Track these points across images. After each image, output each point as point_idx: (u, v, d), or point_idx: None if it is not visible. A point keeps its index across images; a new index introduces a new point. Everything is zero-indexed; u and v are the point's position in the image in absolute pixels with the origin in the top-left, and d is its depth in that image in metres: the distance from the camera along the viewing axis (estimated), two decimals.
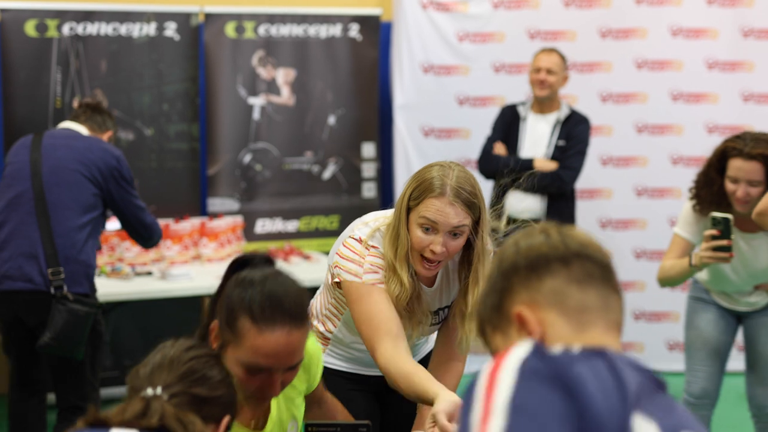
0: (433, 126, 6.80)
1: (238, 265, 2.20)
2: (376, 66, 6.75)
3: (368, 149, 6.77)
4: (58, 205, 4.36)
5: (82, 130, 4.68)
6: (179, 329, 6.71)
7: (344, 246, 2.82)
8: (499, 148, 5.91)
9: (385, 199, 6.97)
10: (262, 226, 6.57)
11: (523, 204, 5.72)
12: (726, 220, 3.87)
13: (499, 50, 6.74)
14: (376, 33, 6.72)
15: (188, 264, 6.02)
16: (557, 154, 5.82)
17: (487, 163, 5.88)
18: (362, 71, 6.71)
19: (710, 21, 6.69)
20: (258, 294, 2.08)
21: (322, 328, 3.02)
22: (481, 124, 6.75)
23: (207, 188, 6.44)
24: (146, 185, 6.22)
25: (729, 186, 4.00)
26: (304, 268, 6.11)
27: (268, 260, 2.21)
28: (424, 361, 2.99)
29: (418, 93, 6.76)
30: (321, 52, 6.61)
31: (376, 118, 6.80)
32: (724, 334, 4.41)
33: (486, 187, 6.26)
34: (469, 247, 2.77)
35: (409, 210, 2.72)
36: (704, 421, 4.40)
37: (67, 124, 4.73)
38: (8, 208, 4.42)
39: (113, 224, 5.16)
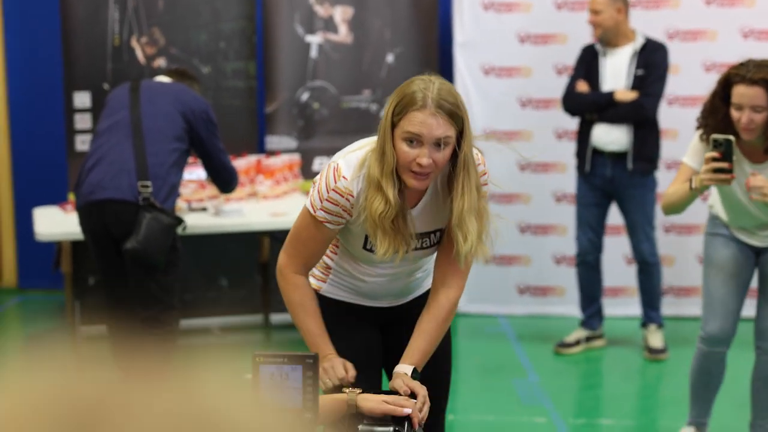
0: (494, 64, 6.70)
1: None
2: (436, 3, 6.66)
3: None
4: (152, 129, 4.68)
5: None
6: (234, 266, 6.84)
7: (321, 175, 2.85)
8: (582, 86, 5.92)
9: None
10: (320, 164, 6.58)
11: (610, 136, 5.82)
12: (728, 141, 3.85)
13: None
14: None
15: (243, 201, 6.07)
16: (637, 84, 5.82)
17: (571, 102, 5.95)
18: (421, 9, 6.63)
19: None
20: None
21: (324, 258, 3.02)
22: (543, 62, 6.65)
23: (264, 126, 6.47)
24: None
25: (734, 113, 3.97)
26: None
27: None
28: (424, 297, 2.99)
29: (478, 30, 6.67)
30: None
31: (436, 57, 6.72)
32: (744, 269, 4.30)
33: (573, 123, 6.29)
34: (455, 161, 2.75)
35: (393, 126, 2.71)
36: (720, 360, 4.34)
37: (160, 78, 5.04)
38: (107, 131, 4.75)
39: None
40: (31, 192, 7.12)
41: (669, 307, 6.43)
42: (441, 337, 2.89)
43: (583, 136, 5.94)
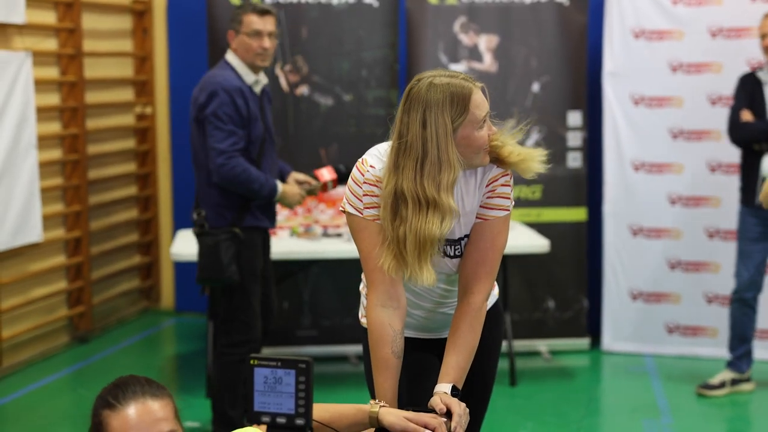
0: (644, 94, 6.49)
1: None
2: (585, 31, 6.51)
3: (574, 117, 6.55)
4: (192, 155, 4.91)
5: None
6: None
7: (352, 178, 2.82)
8: (746, 115, 5.66)
9: (591, 169, 6.74)
10: None
11: None
12: None
13: (716, 13, 6.34)
14: None
15: None
16: None
17: (738, 132, 5.72)
18: (569, 37, 6.50)
19: None
20: (108, 387, 2.12)
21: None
22: (696, 92, 6.40)
23: None
24: (345, 150, 6.32)
25: None
26: None
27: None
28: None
29: (628, 59, 6.48)
30: (525, 17, 6.45)
31: (584, 86, 6.56)
32: None
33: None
34: None
35: (454, 131, 2.69)
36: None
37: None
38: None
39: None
40: (188, 215, 7.35)
41: None
42: (475, 345, 2.78)
43: (749, 167, 5.66)
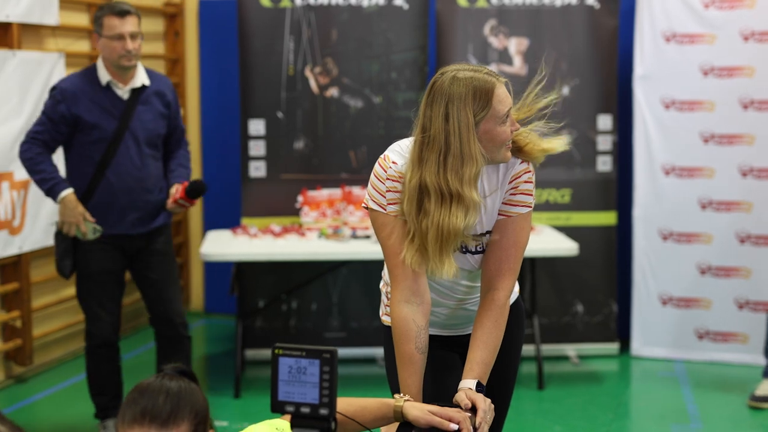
0: (675, 98, 6.45)
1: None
2: (615, 35, 6.49)
3: (605, 121, 6.53)
4: None
5: None
6: None
7: (374, 174, 2.82)
8: None
9: (622, 173, 6.71)
10: None
11: None
12: None
13: (748, 17, 6.29)
14: (616, 0, 6.46)
15: None
16: None
17: None
18: (600, 40, 6.48)
19: None
20: (134, 388, 2.05)
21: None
22: (728, 96, 6.36)
23: None
24: (374, 152, 6.32)
25: None
26: (531, 239, 5.99)
27: (182, 372, 2.13)
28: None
29: (659, 63, 6.45)
30: (556, 20, 6.44)
31: (614, 89, 6.54)
32: None
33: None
34: None
35: (476, 125, 2.69)
36: None
37: None
38: None
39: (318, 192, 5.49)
40: (218, 217, 7.40)
41: None
42: (499, 341, 2.78)
43: None
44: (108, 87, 4.76)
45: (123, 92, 4.78)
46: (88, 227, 4.74)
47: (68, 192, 4.72)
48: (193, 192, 4.83)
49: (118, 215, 4.82)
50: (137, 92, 4.80)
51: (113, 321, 4.92)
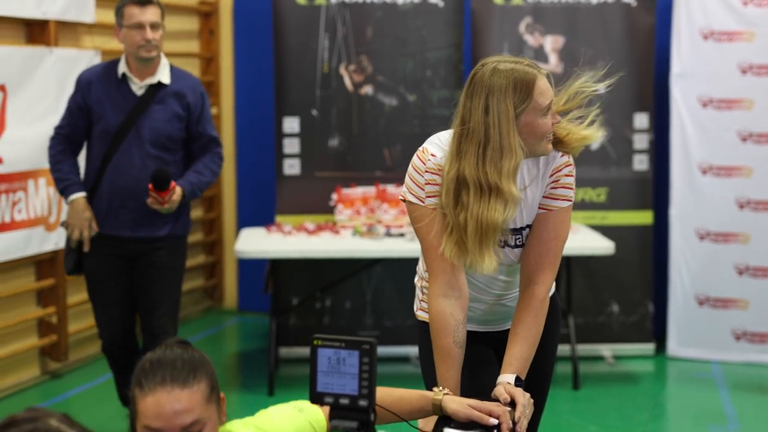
0: (713, 96, 6.39)
1: None
2: (652, 33, 6.43)
3: (641, 119, 6.47)
4: None
5: None
6: None
7: (413, 167, 2.80)
8: None
9: (658, 172, 6.65)
10: None
11: None
12: None
13: None
14: None
15: None
16: None
17: None
18: (636, 38, 6.42)
19: None
20: (144, 361, 2.06)
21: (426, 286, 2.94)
22: (766, 94, 6.28)
23: None
24: (409, 150, 6.27)
25: None
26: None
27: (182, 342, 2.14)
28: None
29: (696, 61, 6.39)
30: (592, 18, 6.40)
31: (651, 87, 6.48)
32: None
33: None
34: None
35: (516, 118, 2.67)
36: None
37: None
38: None
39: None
40: (252, 214, 7.41)
41: None
42: (538, 336, 2.76)
43: None
44: (123, 80, 4.66)
45: (138, 87, 4.66)
46: (90, 234, 4.69)
47: (78, 195, 4.66)
48: (156, 182, 4.55)
49: (112, 213, 4.70)
50: (153, 90, 4.67)
51: (115, 325, 4.81)
